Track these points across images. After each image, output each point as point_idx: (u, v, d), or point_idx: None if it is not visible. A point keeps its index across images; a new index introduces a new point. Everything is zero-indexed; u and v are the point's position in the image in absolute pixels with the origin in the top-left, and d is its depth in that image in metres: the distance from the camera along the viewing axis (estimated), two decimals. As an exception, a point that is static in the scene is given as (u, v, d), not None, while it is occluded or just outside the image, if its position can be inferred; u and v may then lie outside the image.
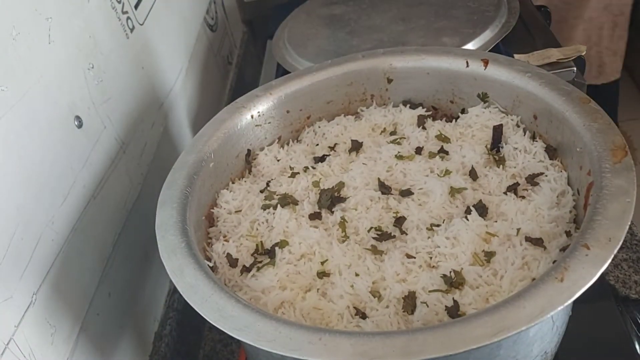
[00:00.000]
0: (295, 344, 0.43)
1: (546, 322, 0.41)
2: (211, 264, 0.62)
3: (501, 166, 0.65)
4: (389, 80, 0.79)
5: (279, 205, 0.66)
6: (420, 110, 0.77)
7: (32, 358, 0.51)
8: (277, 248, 0.61)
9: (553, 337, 0.58)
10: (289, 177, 0.71)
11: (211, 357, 0.80)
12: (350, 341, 0.42)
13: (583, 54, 0.88)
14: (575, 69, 0.86)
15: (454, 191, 0.63)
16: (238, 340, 0.50)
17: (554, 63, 0.87)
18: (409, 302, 0.53)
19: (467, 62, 0.72)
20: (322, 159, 0.73)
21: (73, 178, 0.62)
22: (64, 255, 0.58)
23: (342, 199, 0.65)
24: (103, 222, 0.67)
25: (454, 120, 0.75)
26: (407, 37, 1.00)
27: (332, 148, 0.75)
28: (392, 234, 0.60)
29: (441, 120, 0.76)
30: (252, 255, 0.62)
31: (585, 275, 0.43)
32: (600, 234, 0.46)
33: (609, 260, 0.44)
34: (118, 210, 0.72)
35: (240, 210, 0.68)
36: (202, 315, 0.47)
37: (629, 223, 0.46)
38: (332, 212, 0.64)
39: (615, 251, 0.44)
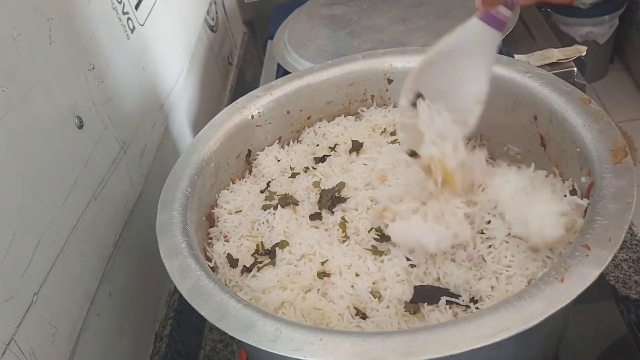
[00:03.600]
0: (296, 344, 0.43)
1: (546, 322, 0.41)
2: (212, 265, 0.62)
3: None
4: (390, 81, 0.79)
5: (279, 206, 0.66)
6: None
7: (33, 358, 0.51)
8: (277, 248, 0.61)
9: (553, 337, 0.58)
10: (289, 177, 0.71)
11: (212, 358, 0.81)
12: (350, 341, 0.42)
13: (583, 54, 0.88)
14: (575, 69, 0.86)
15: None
16: (239, 341, 0.50)
17: (554, 63, 0.87)
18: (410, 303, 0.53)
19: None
20: (322, 159, 0.73)
21: (74, 178, 0.62)
22: (64, 255, 0.58)
23: (343, 200, 0.65)
24: (104, 222, 0.67)
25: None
26: (407, 38, 1.00)
27: (332, 148, 0.75)
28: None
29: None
30: (252, 255, 0.62)
31: (586, 276, 0.43)
32: (601, 235, 0.45)
33: (609, 261, 0.43)
34: (119, 211, 0.72)
35: (241, 211, 0.68)
36: (203, 315, 0.47)
37: (629, 223, 0.46)
38: (333, 213, 0.64)
39: (616, 251, 0.44)
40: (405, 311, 0.53)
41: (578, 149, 0.57)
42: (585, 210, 0.52)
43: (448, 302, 0.52)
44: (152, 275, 0.78)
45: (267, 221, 0.65)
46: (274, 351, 0.43)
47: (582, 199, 0.54)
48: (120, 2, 0.78)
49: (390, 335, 0.42)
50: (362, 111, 0.80)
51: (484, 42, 0.57)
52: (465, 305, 0.52)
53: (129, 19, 0.81)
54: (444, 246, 0.54)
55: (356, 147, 0.73)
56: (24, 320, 0.50)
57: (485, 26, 0.56)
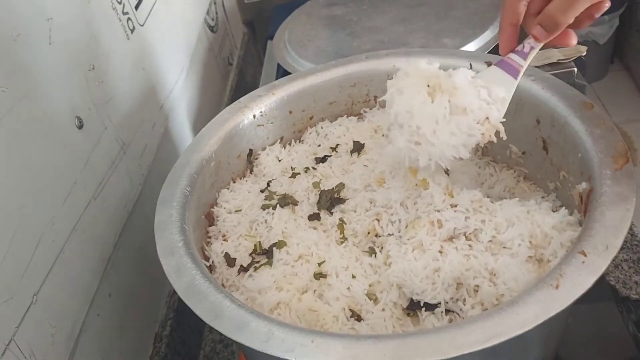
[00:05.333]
0: (288, 346, 0.43)
1: (542, 327, 0.41)
2: (209, 264, 0.62)
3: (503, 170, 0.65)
4: (393, 82, 0.79)
5: (278, 206, 0.66)
6: None
7: (33, 358, 0.51)
8: (274, 248, 0.61)
9: (550, 342, 0.58)
10: (289, 177, 0.71)
11: (211, 358, 0.80)
12: (341, 344, 0.42)
13: (583, 54, 0.87)
14: (575, 69, 0.86)
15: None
16: (238, 341, 0.50)
17: (554, 63, 0.87)
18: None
19: (470, 64, 0.71)
20: (323, 159, 0.73)
21: (74, 179, 0.62)
22: (64, 255, 0.58)
23: (342, 201, 0.65)
24: (103, 222, 0.67)
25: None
26: (407, 38, 1.00)
27: (334, 149, 0.75)
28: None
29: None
30: (250, 255, 0.62)
31: (581, 283, 0.43)
32: (598, 241, 0.45)
33: (605, 268, 0.43)
34: (118, 211, 0.72)
35: (240, 210, 0.68)
36: (197, 314, 0.47)
37: (627, 231, 0.45)
38: (332, 214, 0.64)
39: (612, 259, 0.43)
40: (404, 312, 0.53)
41: (579, 154, 0.57)
42: (585, 216, 0.52)
43: (447, 311, 0.52)
44: (152, 276, 0.78)
45: (266, 221, 0.65)
46: (266, 352, 0.43)
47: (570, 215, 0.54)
48: (120, 2, 0.78)
49: (381, 339, 0.42)
50: (365, 112, 0.80)
51: (500, 82, 0.59)
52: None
53: (128, 19, 0.81)
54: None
55: (357, 148, 0.73)
56: (23, 320, 0.50)
57: (500, 71, 0.59)
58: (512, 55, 0.59)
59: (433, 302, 0.52)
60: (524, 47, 0.58)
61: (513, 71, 0.59)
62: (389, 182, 0.64)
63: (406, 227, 0.58)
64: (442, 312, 0.51)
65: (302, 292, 0.56)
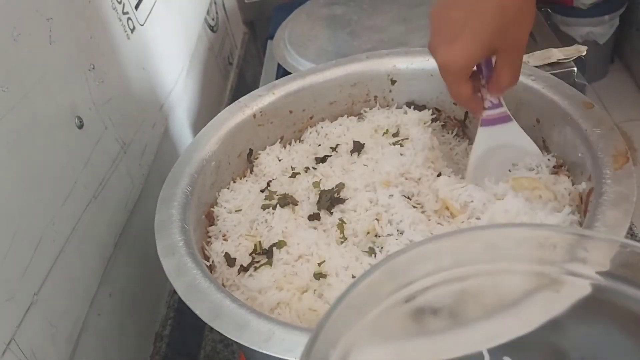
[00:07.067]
0: (288, 345, 0.43)
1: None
2: (209, 263, 0.62)
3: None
4: (393, 82, 0.79)
5: (278, 205, 0.66)
6: (427, 114, 0.76)
7: (33, 358, 0.51)
8: (275, 248, 0.61)
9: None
10: (289, 177, 0.71)
11: (212, 358, 0.80)
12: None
13: (584, 54, 0.87)
14: (575, 69, 0.86)
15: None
16: (238, 341, 0.50)
17: (554, 63, 0.87)
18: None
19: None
20: (323, 159, 0.73)
21: (74, 178, 0.62)
22: (64, 255, 0.58)
23: (342, 200, 0.65)
24: (104, 222, 0.67)
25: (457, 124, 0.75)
26: (407, 38, 1.00)
27: (334, 149, 0.75)
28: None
29: (444, 122, 0.76)
30: (250, 255, 0.62)
31: (581, 284, 0.43)
32: None
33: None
34: (119, 211, 0.72)
35: (241, 210, 0.68)
36: (197, 314, 0.47)
37: (626, 231, 0.45)
38: (331, 214, 0.64)
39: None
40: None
41: (579, 154, 0.57)
42: (585, 215, 0.52)
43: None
44: (153, 275, 0.78)
45: (266, 221, 0.65)
46: (266, 352, 0.43)
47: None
48: (120, 2, 0.78)
49: (383, 338, 0.42)
50: (365, 112, 0.80)
51: (500, 137, 0.61)
52: None
53: (129, 19, 0.81)
54: None
55: (357, 147, 0.73)
56: (24, 320, 0.50)
57: (490, 127, 0.61)
58: (489, 112, 0.60)
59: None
60: (491, 101, 0.59)
61: (503, 119, 0.61)
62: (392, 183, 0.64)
63: (409, 226, 0.58)
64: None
65: (302, 291, 0.56)
